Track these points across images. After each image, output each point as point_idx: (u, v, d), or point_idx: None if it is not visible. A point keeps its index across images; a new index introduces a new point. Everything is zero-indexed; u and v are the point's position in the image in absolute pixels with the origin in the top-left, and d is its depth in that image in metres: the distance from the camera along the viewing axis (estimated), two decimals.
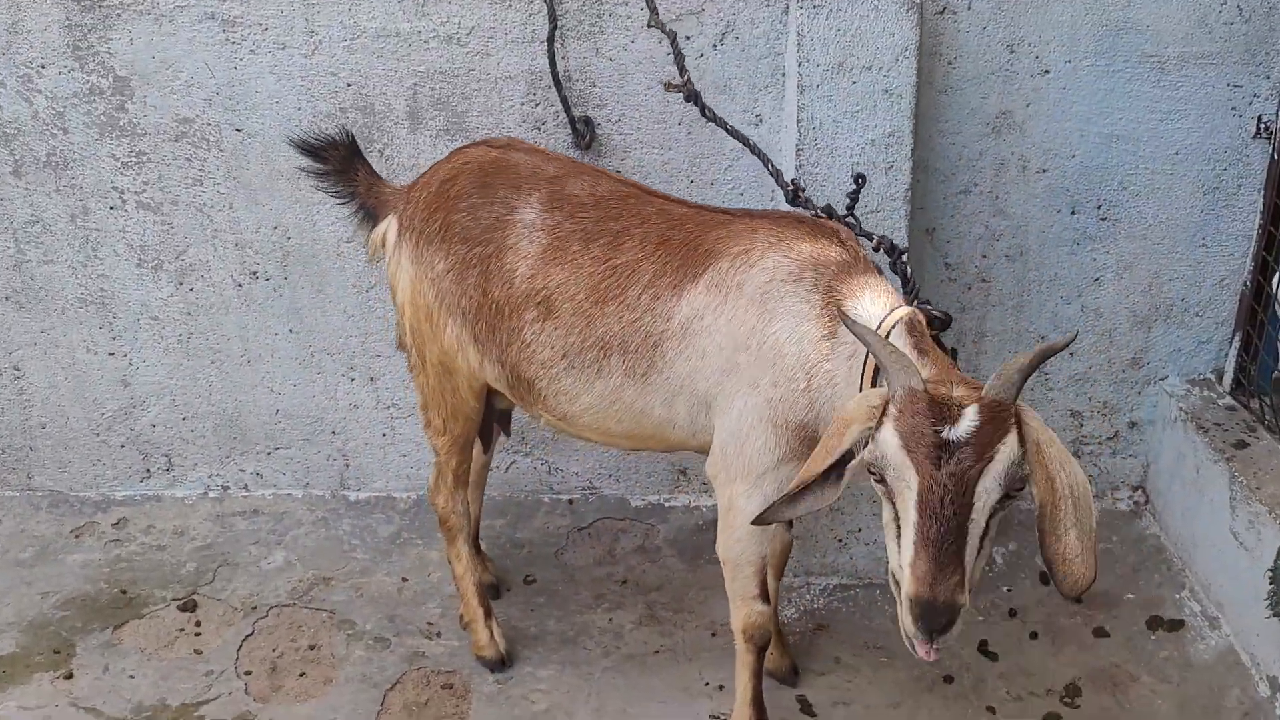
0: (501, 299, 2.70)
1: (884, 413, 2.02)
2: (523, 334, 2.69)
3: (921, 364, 2.13)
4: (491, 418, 3.22)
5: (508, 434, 3.45)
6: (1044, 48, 3.21)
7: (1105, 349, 3.60)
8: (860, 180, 2.64)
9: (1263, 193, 3.33)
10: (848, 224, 2.63)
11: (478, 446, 3.24)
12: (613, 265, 2.60)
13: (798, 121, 2.95)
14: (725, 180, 3.43)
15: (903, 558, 1.96)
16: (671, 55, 3.07)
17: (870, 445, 2.03)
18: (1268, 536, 2.96)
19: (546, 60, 3.27)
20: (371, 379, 3.80)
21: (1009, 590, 3.53)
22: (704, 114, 2.94)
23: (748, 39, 3.26)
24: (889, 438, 1.98)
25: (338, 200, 3.01)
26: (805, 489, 2.11)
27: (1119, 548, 3.67)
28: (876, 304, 2.33)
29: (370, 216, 2.98)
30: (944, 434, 1.93)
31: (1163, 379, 3.64)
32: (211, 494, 4.00)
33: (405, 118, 3.42)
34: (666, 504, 3.92)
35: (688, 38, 3.27)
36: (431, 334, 2.86)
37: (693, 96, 2.91)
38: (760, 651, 2.80)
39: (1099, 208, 3.41)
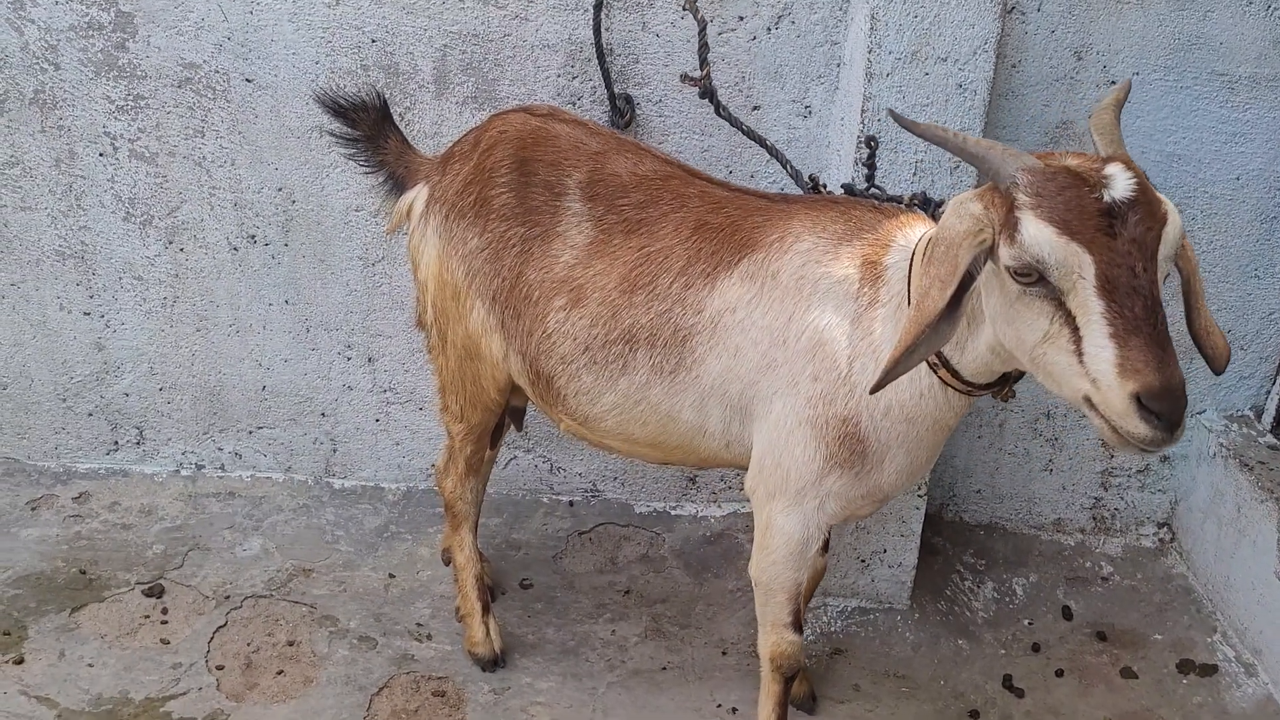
0: (535, 283, 2.49)
1: (1010, 209, 1.76)
2: (546, 322, 2.49)
3: None
4: (503, 411, 3.00)
5: (519, 428, 3.22)
6: (1113, 57, 3.07)
7: None
8: (872, 144, 2.48)
9: None
10: (873, 196, 2.50)
11: None
12: (646, 252, 2.40)
13: (862, 111, 2.77)
14: (766, 171, 3.24)
15: (1097, 362, 1.68)
16: (709, 40, 2.87)
17: (1011, 250, 1.75)
18: None
19: (590, 30, 3.05)
20: (369, 360, 3.55)
21: (1030, 624, 3.36)
22: (718, 112, 2.79)
23: (804, 24, 3.08)
24: (1038, 231, 1.71)
25: (365, 170, 2.77)
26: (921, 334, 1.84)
27: (1144, 585, 3.52)
28: (911, 235, 2.18)
29: (398, 186, 2.74)
30: (1106, 199, 1.69)
31: (1200, 413, 3.50)
32: (184, 472, 3.71)
33: (431, 81, 3.19)
34: (673, 512, 3.70)
35: (741, 18, 3.08)
36: (457, 314, 2.64)
37: (708, 94, 2.75)
38: (788, 682, 2.63)
39: None
